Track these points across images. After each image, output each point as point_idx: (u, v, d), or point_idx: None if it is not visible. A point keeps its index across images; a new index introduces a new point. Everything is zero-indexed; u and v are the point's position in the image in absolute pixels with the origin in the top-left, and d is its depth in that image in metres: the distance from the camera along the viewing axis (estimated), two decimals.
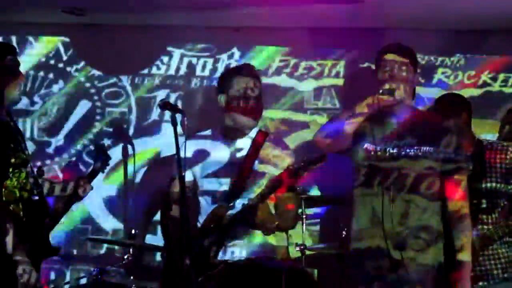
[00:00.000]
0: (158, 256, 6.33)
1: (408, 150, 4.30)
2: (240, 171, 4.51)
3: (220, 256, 4.45)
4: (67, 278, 6.48)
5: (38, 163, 6.04)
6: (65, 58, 6.72)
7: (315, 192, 6.27)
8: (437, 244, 4.27)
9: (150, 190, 6.36)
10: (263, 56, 6.66)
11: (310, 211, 5.91)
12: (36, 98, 6.69)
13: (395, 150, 4.31)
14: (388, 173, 4.27)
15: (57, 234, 5.44)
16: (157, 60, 6.71)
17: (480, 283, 4.72)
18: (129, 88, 6.70)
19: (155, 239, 6.24)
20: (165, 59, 6.72)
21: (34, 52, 6.70)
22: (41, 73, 6.71)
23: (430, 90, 6.52)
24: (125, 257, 5.29)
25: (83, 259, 6.50)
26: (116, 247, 6.37)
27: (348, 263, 4.84)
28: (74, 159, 6.59)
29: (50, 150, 6.67)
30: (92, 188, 4.81)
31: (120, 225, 6.49)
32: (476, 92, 6.56)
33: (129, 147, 6.41)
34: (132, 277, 5.17)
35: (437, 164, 4.29)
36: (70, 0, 6.08)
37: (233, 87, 4.61)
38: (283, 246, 5.78)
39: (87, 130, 6.67)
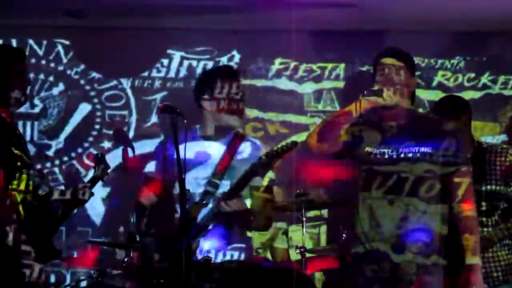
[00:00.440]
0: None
1: (407, 153, 4.30)
2: (217, 171, 4.52)
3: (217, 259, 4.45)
4: (67, 281, 6.48)
5: (38, 166, 6.04)
6: (65, 61, 6.72)
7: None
8: (439, 247, 4.27)
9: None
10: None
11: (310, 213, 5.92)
12: (36, 101, 6.69)
13: (393, 154, 4.31)
14: (386, 176, 4.28)
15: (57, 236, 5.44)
16: (157, 63, 6.71)
17: None
18: (129, 91, 6.70)
19: None
20: (165, 61, 6.72)
21: (34, 54, 6.70)
22: (41, 76, 6.71)
23: (430, 92, 6.53)
24: (125, 259, 5.28)
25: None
26: (117, 249, 6.36)
27: (348, 266, 4.84)
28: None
29: (50, 152, 6.67)
30: (93, 194, 4.82)
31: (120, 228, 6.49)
32: (476, 94, 6.57)
33: (129, 150, 6.40)
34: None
35: (436, 167, 4.28)
36: (70, 3, 6.08)
37: (217, 89, 4.60)
38: (283, 248, 5.81)
39: (87, 133, 6.67)
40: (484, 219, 4.73)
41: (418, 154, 4.29)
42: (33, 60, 6.69)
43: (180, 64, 6.67)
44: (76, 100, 6.71)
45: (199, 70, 6.64)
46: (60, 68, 6.73)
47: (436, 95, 6.33)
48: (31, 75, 6.66)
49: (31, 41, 6.71)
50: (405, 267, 4.22)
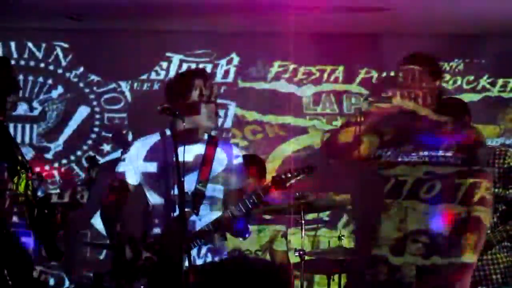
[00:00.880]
0: None
1: (405, 157, 4.31)
2: (201, 178, 4.47)
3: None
4: (66, 284, 6.48)
5: (37, 169, 6.03)
6: (64, 63, 6.72)
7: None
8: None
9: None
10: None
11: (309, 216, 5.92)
12: (35, 104, 6.69)
13: (391, 157, 4.32)
14: (385, 181, 4.28)
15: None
16: (156, 65, 6.71)
17: None
18: (128, 94, 6.70)
19: None
20: (164, 64, 6.72)
21: (33, 57, 6.70)
22: (40, 79, 6.71)
23: None
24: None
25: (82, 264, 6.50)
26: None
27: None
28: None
29: (49, 155, 6.67)
30: (90, 196, 4.81)
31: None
32: (475, 97, 6.57)
33: None
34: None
35: (436, 168, 4.29)
36: (69, 6, 6.08)
37: (194, 92, 4.53)
38: (283, 251, 5.81)
39: (86, 136, 6.67)
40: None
41: (417, 157, 4.30)
42: (32, 63, 6.70)
43: (179, 67, 6.68)
44: (75, 102, 6.71)
45: None
46: (59, 71, 6.73)
47: None
48: (30, 78, 6.67)
49: (30, 44, 6.71)
50: (404, 270, 4.23)
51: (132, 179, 4.47)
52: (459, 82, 6.61)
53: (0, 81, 4.40)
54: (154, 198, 4.45)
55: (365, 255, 4.87)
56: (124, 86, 6.72)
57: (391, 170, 4.30)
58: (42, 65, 6.72)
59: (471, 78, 6.60)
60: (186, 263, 3.99)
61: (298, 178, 4.40)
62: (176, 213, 3.99)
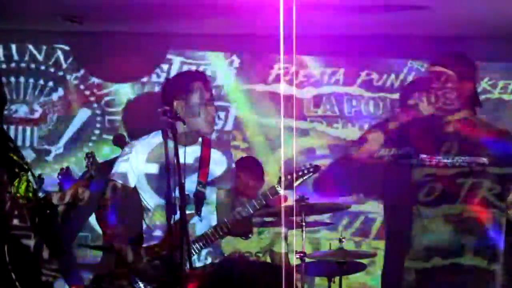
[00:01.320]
0: None
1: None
2: (200, 178, 4.47)
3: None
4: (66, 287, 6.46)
5: (38, 172, 6.02)
6: (64, 66, 6.72)
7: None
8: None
9: None
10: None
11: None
12: (35, 106, 6.69)
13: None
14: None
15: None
16: (157, 68, 6.71)
17: None
18: (128, 96, 6.70)
19: None
20: (165, 67, 6.72)
21: (34, 60, 6.70)
22: (41, 81, 6.71)
23: None
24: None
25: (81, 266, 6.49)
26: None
27: None
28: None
29: (49, 158, 6.67)
30: (90, 195, 4.80)
31: None
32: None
33: None
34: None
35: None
36: (70, 8, 6.08)
37: (192, 94, 4.51)
38: (283, 253, 5.80)
39: (87, 138, 6.67)
40: (498, 202, 4.59)
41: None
42: (32, 65, 6.70)
43: (180, 69, 6.67)
44: (76, 105, 6.71)
45: None
46: (60, 73, 6.73)
47: None
48: (31, 80, 6.67)
49: (30, 46, 6.70)
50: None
51: (132, 180, 4.47)
52: None
53: None
54: (153, 200, 4.45)
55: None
56: (125, 88, 6.71)
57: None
58: (43, 67, 6.72)
59: None
60: (187, 266, 3.99)
61: (305, 178, 4.40)
62: (177, 215, 3.99)
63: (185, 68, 6.65)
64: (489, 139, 4.36)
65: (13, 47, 6.68)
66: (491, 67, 6.53)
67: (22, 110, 6.64)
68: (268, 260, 5.82)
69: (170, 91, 4.53)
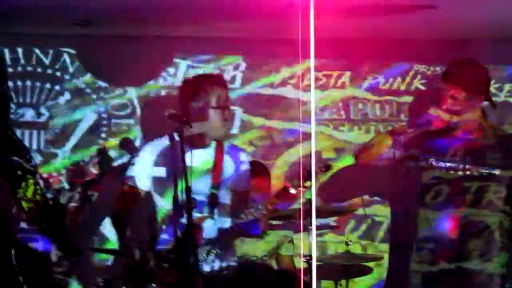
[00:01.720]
0: None
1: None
2: (213, 182, 4.47)
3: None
4: None
5: (45, 175, 6.04)
6: (71, 70, 6.73)
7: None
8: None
9: None
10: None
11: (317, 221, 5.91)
12: (42, 110, 6.70)
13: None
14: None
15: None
16: (163, 71, 6.72)
17: None
18: (135, 100, 6.71)
19: None
20: (171, 70, 6.73)
21: (41, 63, 6.72)
22: (48, 85, 6.72)
23: None
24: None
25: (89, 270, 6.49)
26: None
27: None
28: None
29: (56, 161, 6.68)
30: (100, 196, 4.81)
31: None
32: None
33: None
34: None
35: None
36: (76, 12, 6.09)
37: (210, 96, 4.51)
38: (289, 256, 5.81)
39: (93, 142, 6.68)
40: (504, 206, 4.57)
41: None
42: (39, 69, 6.71)
43: (187, 72, 6.68)
44: (82, 109, 6.72)
45: None
46: (66, 77, 6.74)
47: None
48: (37, 84, 6.69)
49: (37, 50, 6.72)
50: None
51: (143, 184, 4.48)
52: None
53: None
54: (162, 203, 4.46)
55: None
56: (131, 92, 6.72)
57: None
58: (49, 71, 6.73)
59: None
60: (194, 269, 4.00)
61: (318, 176, 4.40)
62: (185, 218, 4.01)
63: (192, 71, 6.65)
64: (496, 143, 4.36)
65: (20, 50, 6.69)
66: (497, 70, 6.52)
67: (28, 114, 6.65)
68: (274, 264, 5.82)
69: (187, 94, 4.54)
